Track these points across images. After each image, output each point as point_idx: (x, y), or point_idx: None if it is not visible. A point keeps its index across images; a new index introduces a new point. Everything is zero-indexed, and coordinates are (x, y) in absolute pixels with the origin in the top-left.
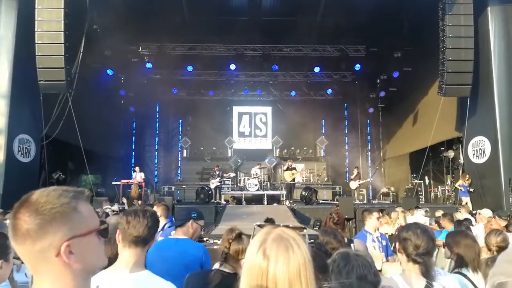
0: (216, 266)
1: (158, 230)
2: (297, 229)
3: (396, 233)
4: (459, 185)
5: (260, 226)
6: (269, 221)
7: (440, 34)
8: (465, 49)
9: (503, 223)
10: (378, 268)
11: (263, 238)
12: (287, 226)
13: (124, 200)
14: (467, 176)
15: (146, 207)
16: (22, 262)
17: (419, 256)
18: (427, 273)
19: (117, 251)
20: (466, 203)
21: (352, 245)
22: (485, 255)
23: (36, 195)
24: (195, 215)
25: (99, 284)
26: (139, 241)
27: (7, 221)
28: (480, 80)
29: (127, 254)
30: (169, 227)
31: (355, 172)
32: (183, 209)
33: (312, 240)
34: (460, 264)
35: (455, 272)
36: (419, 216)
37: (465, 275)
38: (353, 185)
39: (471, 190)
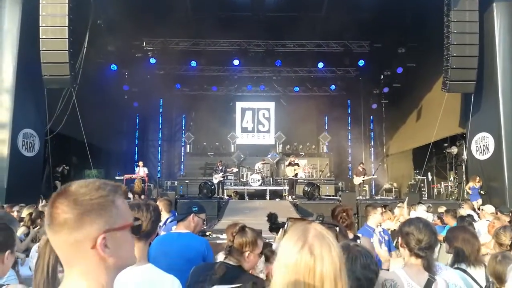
0: (220, 258)
1: (160, 224)
2: (328, 226)
3: (399, 228)
4: (469, 188)
5: (292, 219)
6: (272, 216)
7: (444, 30)
8: (469, 45)
9: (507, 218)
10: (386, 267)
11: (304, 235)
12: (321, 222)
13: (130, 195)
14: (478, 177)
15: (149, 200)
16: (27, 256)
17: (422, 250)
18: (429, 267)
19: None
20: (479, 208)
21: (358, 241)
22: (488, 250)
23: (75, 185)
24: (196, 208)
25: None
26: (142, 235)
27: (15, 214)
28: (484, 76)
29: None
30: (171, 221)
31: (361, 168)
32: (184, 203)
33: None
34: (458, 258)
35: (455, 268)
36: (421, 212)
37: (464, 271)
38: (357, 180)
39: (482, 192)
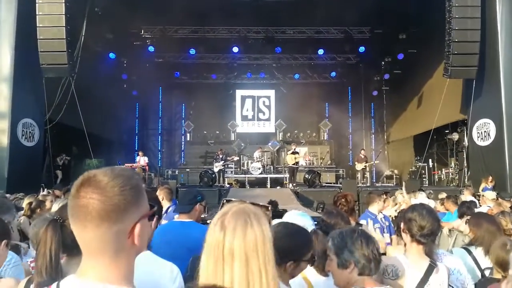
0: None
1: (162, 212)
2: (263, 208)
3: (402, 214)
4: (482, 189)
5: (228, 201)
6: (272, 203)
7: (446, 15)
8: (471, 30)
9: (508, 204)
10: (382, 251)
11: (224, 212)
12: (253, 203)
13: None
14: (490, 177)
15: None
16: (29, 246)
17: (423, 237)
18: (431, 253)
19: None
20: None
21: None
22: None
23: (107, 176)
24: (200, 197)
25: None
26: None
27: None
28: (486, 61)
29: None
30: (173, 211)
31: (362, 155)
32: (186, 193)
33: (316, 222)
34: (474, 243)
35: (462, 247)
36: (422, 199)
37: (470, 252)
38: (359, 166)
39: (495, 192)
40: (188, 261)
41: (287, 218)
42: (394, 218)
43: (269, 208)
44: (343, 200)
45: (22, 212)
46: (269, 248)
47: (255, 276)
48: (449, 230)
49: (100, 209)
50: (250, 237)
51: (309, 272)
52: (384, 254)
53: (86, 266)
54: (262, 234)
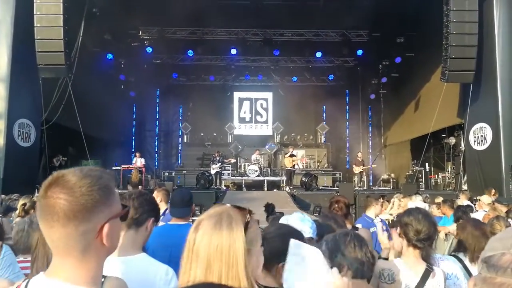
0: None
1: (159, 215)
2: (242, 211)
3: (398, 218)
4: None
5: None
6: (269, 206)
7: (444, 19)
8: (469, 34)
9: (503, 209)
10: (385, 255)
11: (206, 213)
12: (235, 206)
13: (130, 188)
14: (493, 190)
15: (141, 190)
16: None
17: (420, 241)
18: (428, 257)
19: None
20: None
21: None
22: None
23: (75, 176)
24: (192, 199)
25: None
26: (130, 222)
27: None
28: (483, 66)
29: (123, 237)
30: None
31: (359, 158)
32: (179, 196)
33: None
34: (459, 249)
35: (451, 255)
36: (418, 203)
37: (460, 260)
38: (357, 169)
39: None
40: None
41: (289, 221)
42: (390, 222)
43: (251, 212)
44: (336, 205)
45: (17, 212)
46: (235, 252)
47: (214, 278)
48: (446, 235)
49: (67, 209)
50: (215, 239)
51: None
52: (387, 259)
53: (55, 266)
54: (229, 238)
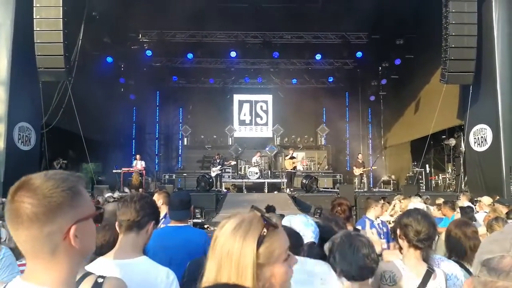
0: None
1: (161, 217)
2: (267, 224)
3: (397, 219)
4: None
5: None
6: (270, 208)
7: (443, 21)
8: (468, 36)
9: (504, 210)
10: (378, 253)
11: (234, 215)
12: (266, 218)
13: (127, 190)
14: (497, 197)
15: (141, 193)
16: None
17: (420, 242)
18: (428, 258)
19: (114, 238)
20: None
21: None
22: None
23: (40, 178)
24: (190, 201)
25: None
26: (131, 225)
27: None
28: (482, 67)
29: (122, 239)
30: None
31: (360, 160)
32: (178, 198)
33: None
34: (450, 253)
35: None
36: (417, 204)
37: (460, 263)
38: (357, 171)
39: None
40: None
41: (291, 222)
42: (391, 223)
43: (273, 226)
44: (338, 208)
45: None
46: (244, 263)
47: (223, 281)
48: None
49: (30, 212)
50: (228, 244)
51: None
52: (380, 255)
53: (28, 269)
54: (240, 247)
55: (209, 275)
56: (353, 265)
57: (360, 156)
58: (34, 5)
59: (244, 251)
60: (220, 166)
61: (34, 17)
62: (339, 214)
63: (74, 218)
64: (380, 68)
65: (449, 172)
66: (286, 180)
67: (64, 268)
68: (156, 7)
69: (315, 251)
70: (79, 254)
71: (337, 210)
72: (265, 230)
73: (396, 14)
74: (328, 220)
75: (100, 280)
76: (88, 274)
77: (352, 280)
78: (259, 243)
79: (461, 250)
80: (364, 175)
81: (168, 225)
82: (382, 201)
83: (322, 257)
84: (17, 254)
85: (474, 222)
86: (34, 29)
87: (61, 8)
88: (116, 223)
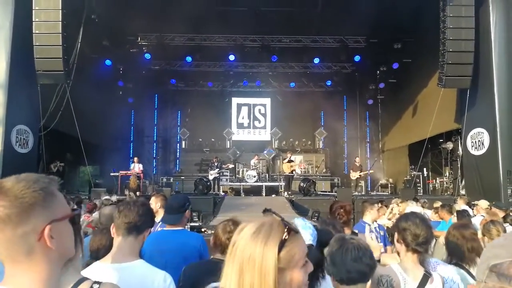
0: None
1: (158, 221)
2: (288, 229)
3: (395, 223)
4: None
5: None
6: (267, 211)
7: (440, 25)
8: (465, 40)
9: (501, 214)
10: (376, 256)
11: (254, 220)
12: (284, 221)
13: (128, 193)
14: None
15: (137, 198)
16: None
17: (419, 246)
18: (425, 262)
19: (110, 242)
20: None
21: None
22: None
23: (11, 181)
24: (188, 204)
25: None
26: (131, 228)
27: None
28: (480, 71)
29: (120, 242)
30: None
31: (357, 163)
32: (174, 201)
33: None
34: (450, 256)
35: (452, 264)
36: (414, 208)
37: (461, 266)
38: (354, 175)
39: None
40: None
41: None
42: (389, 227)
43: (293, 231)
44: (341, 210)
45: None
46: (267, 267)
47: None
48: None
49: (3, 214)
50: (249, 248)
51: None
52: (379, 261)
53: (6, 274)
54: (262, 251)
55: (229, 280)
56: (342, 269)
57: (357, 159)
58: (33, 8)
59: (266, 255)
60: (218, 169)
61: (33, 20)
62: (341, 217)
63: (48, 218)
64: (378, 72)
65: (446, 176)
66: (284, 184)
67: (42, 270)
68: (155, 11)
69: (313, 254)
70: (57, 255)
71: (339, 212)
72: (286, 234)
73: (394, 19)
74: (326, 224)
75: (95, 286)
76: (83, 279)
77: (344, 284)
78: (281, 247)
79: (460, 252)
80: (362, 178)
81: (164, 228)
82: (378, 205)
83: (320, 260)
84: None
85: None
86: (33, 31)
87: (60, 11)
88: (113, 226)
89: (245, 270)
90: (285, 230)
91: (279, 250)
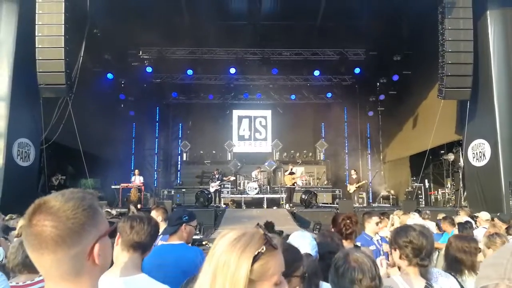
0: None
1: (159, 234)
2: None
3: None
4: None
5: (260, 226)
6: (269, 224)
7: (439, 38)
8: (464, 52)
9: (503, 226)
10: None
11: (239, 228)
12: (265, 233)
13: (131, 207)
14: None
15: (149, 215)
16: None
17: (423, 260)
18: (426, 274)
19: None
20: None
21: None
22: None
23: (58, 200)
24: (187, 218)
25: None
26: (139, 247)
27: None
28: (479, 83)
29: (125, 257)
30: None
31: (354, 175)
32: (173, 214)
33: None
34: (449, 267)
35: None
36: (416, 220)
37: (456, 278)
38: (351, 188)
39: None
40: (181, 284)
41: (290, 238)
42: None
43: (271, 246)
44: (348, 221)
45: (16, 232)
46: (238, 277)
47: None
48: None
49: (55, 235)
50: (225, 255)
51: None
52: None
53: None
54: (237, 260)
55: (203, 283)
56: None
57: (353, 172)
58: (36, 23)
59: (239, 264)
60: (219, 181)
61: (36, 35)
62: (347, 228)
63: (96, 236)
64: (378, 84)
65: (448, 187)
66: (285, 196)
67: (87, 286)
68: (157, 24)
69: (310, 263)
70: (100, 271)
71: (345, 223)
72: (263, 247)
73: (393, 31)
74: (324, 236)
75: None
76: None
77: None
78: (255, 258)
79: (456, 265)
80: (361, 189)
81: (164, 242)
82: (378, 218)
83: (316, 269)
84: (7, 273)
85: None
86: (36, 46)
87: (63, 25)
88: (118, 237)
89: (218, 275)
90: (263, 243)
91: (254, 262)
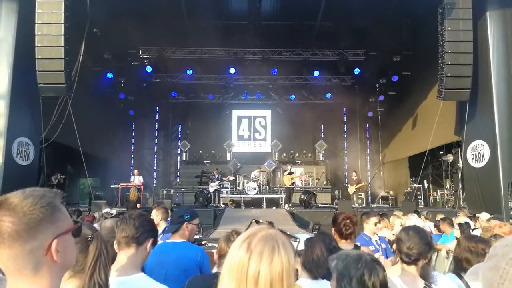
0: (216, 269)
1: (159, 233)
2: (290, 238)
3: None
4: None
5: (257, 222)
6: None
7: (439, 39)
8: (464, 53)
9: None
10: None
11: (251, 233)
12: (282, 231)
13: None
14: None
15: (137, 211)
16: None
17: (409, 257)
18: (426, 275)
19: (114, 256)
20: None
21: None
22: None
23: (17, 197)
24: (188, 216)
25: None
26: (130, 241)
27: None
28: (479, 84)
29: (121, 256)
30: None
31: (354, 176)
32: (175, 212)
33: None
34: (456, 266)
35: (455, 273)
36: (416, 221)
37: (461, 277)
38: (351, 189)
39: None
40: (183, 282)
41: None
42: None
43: (297, 239)
44: (348, 221)
45: None
46: (292, 279)
47: None
48: (447, 252)
49: (11, 230)
50: (277, 264)
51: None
52: None
53: (9, 286)
54: (288, 264)
55: None
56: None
57: (354, 173)
58: (36, 22)
59: (291, 267)
60: (218, 181)
61: (36, 34)
62: (347, 228)
63: (55, 233)
64: (377, 84)
65: (447, 188)
66: (284, 196)
67: (47, 283)
68: (157, 24)
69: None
70: (60, 268)
71: (345, 223)
72: (296, 242)
73: (392, 32)
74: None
75: None
76: None
77: None
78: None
79: (463, 265)
80: (361, 190)
81: (167, 240)
82: (376, 218)
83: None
84: None
85: None
86: (36, 45)
87: (63, 25)
88: (115, 242)
89: (275, 286)
90: (296, 239)
91: None
